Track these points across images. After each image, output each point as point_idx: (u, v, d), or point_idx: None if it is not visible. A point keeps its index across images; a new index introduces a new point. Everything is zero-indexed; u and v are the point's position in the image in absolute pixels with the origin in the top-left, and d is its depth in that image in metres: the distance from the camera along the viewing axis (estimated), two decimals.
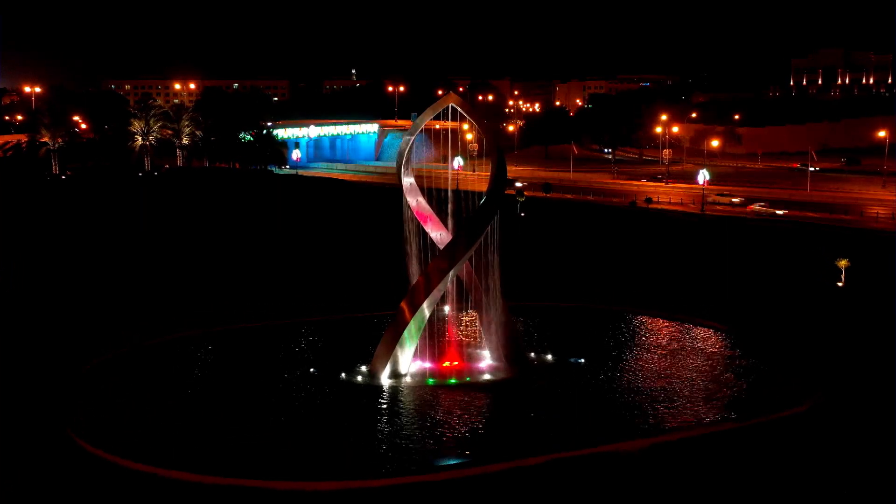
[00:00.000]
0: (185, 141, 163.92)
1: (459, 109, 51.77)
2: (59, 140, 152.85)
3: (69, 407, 45.83)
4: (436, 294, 48.44)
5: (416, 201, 54.14)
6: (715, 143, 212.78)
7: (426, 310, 48.63)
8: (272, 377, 51.12)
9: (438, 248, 53.29)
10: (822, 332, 61.13)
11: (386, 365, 49.63)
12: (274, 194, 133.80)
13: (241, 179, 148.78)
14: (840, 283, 75.95)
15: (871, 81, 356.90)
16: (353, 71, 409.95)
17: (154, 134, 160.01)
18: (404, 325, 48.33)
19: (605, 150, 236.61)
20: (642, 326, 63.48)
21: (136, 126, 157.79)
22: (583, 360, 54.03)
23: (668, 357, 55.55)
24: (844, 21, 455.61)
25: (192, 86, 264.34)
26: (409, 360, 50.40)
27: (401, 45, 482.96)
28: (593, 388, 49.62)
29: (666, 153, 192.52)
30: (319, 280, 77.22)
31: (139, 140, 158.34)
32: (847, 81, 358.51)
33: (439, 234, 53.78)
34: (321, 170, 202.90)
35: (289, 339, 59.02)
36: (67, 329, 61.14)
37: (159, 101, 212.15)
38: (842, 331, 61.54)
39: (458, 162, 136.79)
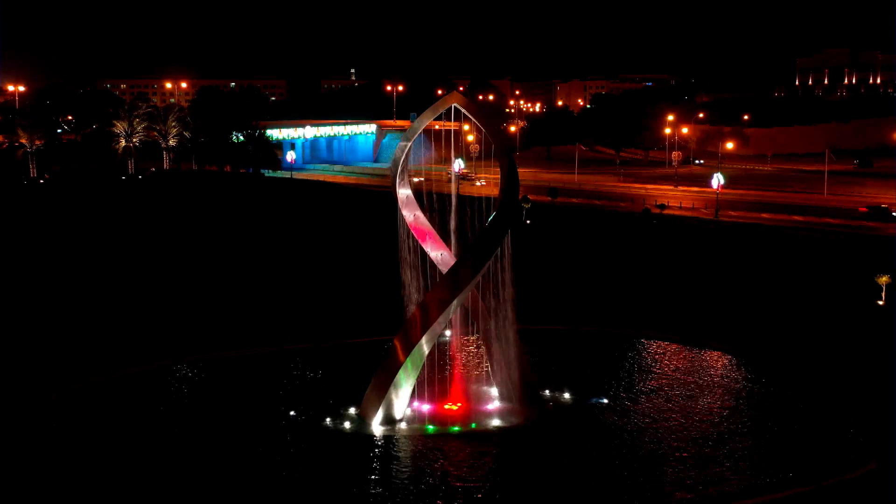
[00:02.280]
0: (171, 142, 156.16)
1: (463, 110, 44.62)
2: (38, 142, 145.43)
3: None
4: (436, 328, 41.11)
5: (413, 216, 46.94)
6: (730, 145, 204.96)
7: (425, 346, 41.34)
8: (244, 423, 43.86)
9: (439, 270, 46.25)
10: (872, 364, 53.96)
11: (378, 409, 42.38)
12: (264, 199, 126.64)
13: (230, 183, 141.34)
14: (881, 302, 68.88)
15: (879, 81, 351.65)
16: (353, 71, 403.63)
17: (138, 135, 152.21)
18: (397, 366, 41.01)
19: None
20: (667, 356, 56.41)
21: (120, 127, 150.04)
22: (605, 401, 46.86)
23: (701, 397, 48.39)
24: (850, 20, 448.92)
25: (184, 85, 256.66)
26: (404, 404, 43.17)
27: (400, 45, 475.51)
28: (618, 438, 42.40)
29: (676, 155, 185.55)
30: (311, 297, 70.03)
31: (122, 142, 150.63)
32: (854, 81, 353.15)
33: (440, 254, 46.62)
34: (317, 171, 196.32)
35: (270, 372, 51.90)
36: (31, 353, 54.41)
37: (155, 101, 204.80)
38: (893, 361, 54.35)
39: (459, 164, 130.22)
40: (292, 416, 44.67)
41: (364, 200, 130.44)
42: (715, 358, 55.76)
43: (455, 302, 40.64)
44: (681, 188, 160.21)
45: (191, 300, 69.18)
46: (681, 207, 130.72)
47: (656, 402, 47.30)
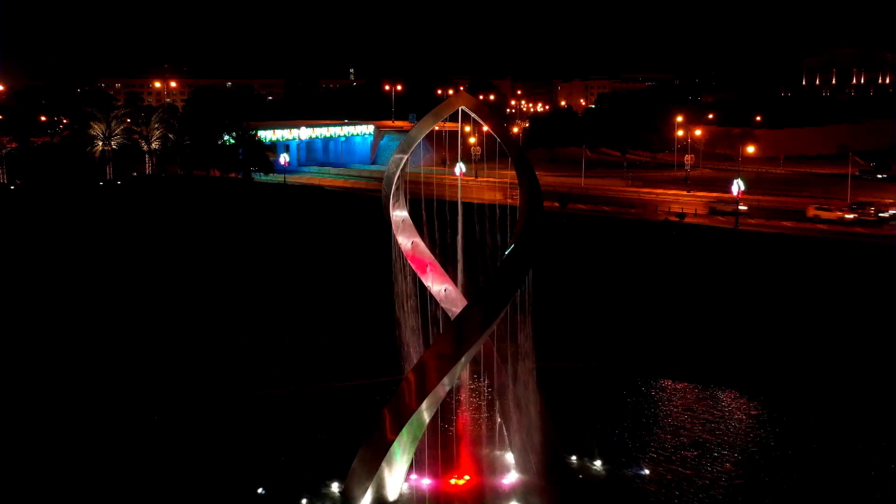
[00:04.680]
0: (154, 145, 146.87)
1: (473, 114, 36.16)
2: (10, 145, 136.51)
3: None
4: (439, 392, 32.47)
5: (410, 243, 38.40)
6: (751, 149, 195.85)
7: (425, 414, 32.75)
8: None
9: (442, 306, 37.80)
10: None
11: (367, 489, 33.83)
12: (253, 206, 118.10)
13: (216, 189, 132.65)
14: None
15: (888, 81, 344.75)
16: (352, 70, 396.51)
17: (117, 137, 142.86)
18: (388, 443, 32.16)
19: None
20: (707, 404, 47.96)
21: (97, 129, 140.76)
22: (646, 472, 38.34)
23: (763, 464, 39.89)
24: (858, 19, 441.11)
25: (174, 84, 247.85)
26: (400, 481, 34.62)
27: (400, 45, 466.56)
28: None
29: (688, 158, 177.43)
30: (300, 326, 61.41)
31: (100, 144, 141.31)
32: (862, 81, 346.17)
33: (443, 289, 38.14)
34: (312, 174, 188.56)
35: (240, 427, 43.45)
36: None
37: (150, 101, 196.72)
38: None
39: (460, 168, 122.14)
40: (260, 494, 36.11)
41: (361, 206, 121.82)
42: (764, 406, 47.35)
43: (463, 359, 31.96)
44: (694, 193, 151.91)
45: (162, 326, 60.91)
46: (696, 214, 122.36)
47: (709, 471, 38.78)
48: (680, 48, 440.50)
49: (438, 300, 37.86)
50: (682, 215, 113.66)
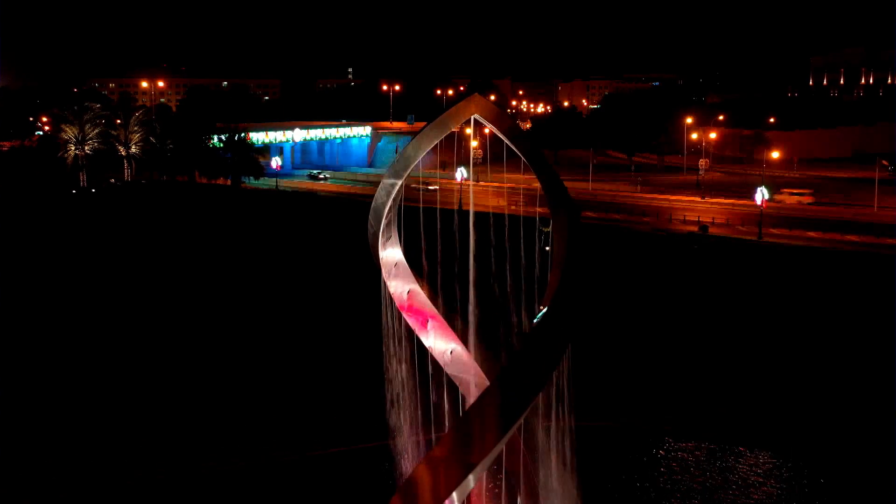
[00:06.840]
0: (133, 150, 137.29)
1: (488, 124, 27.33)
2: None
3: None
4: None
5: (406, 292, 29.48)
6: (776, 154, 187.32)
7: None
8: None
9: (447, 372, 29.08)
10: None
11: None
12: (239, 216, 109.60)
13: (200, 196, 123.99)
14: None
15: None
16: (350, 70, 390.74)
17: (91, 142, 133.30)
18: None
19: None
20: (754, 471, 39.43)
21: (69, 132, 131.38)
22: None
23: None
24: (866, 18, 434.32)
25: (161, 84, 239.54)
26: None
27: (399, 44, 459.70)
28: None
29: (703, 162, 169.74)
30: (285, 374, 52.90)
31: (72, 149, 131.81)
32: (871, 81, 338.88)
33: (449, 351, 29.24)
34: (307, 178, 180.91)
35: None
36: None
37: (145, 101, 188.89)
38: None
39: (461, 173, 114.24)
40: None
41: (358, 215, 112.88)
42: (827, 481, 38.81)
43: (478, 468, 22.82)
44: (709, 199, 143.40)
45: (125, 375, 52.58)
46: (713, 223, 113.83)
47: None
48: (683, 47, 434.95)
49: (442, 365, 29.00)
50: (705, 227, 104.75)
